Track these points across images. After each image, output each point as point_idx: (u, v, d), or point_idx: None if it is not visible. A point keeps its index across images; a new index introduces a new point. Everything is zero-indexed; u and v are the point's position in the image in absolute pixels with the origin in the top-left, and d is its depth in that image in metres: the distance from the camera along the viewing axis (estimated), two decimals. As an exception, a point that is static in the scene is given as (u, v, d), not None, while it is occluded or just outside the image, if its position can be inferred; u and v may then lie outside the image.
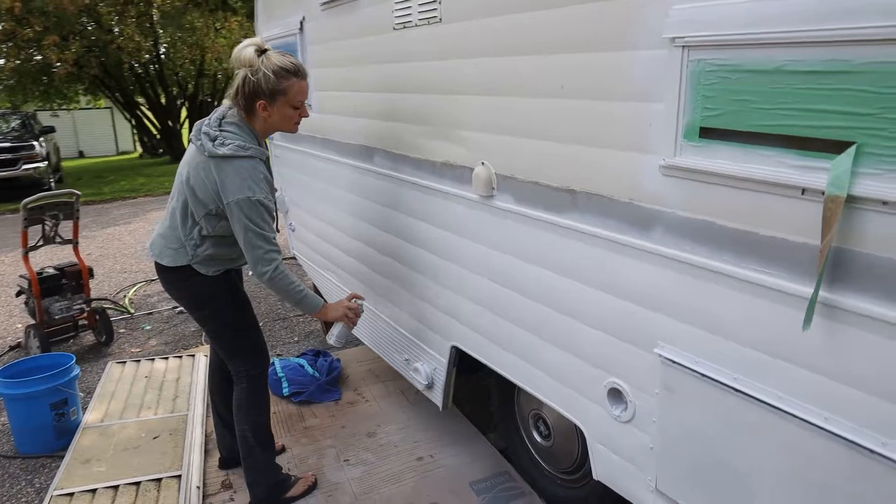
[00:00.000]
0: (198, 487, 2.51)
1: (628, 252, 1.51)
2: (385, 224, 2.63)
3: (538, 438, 2.28)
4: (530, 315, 1.89)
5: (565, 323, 1.76)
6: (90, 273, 4.12)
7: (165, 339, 4.27)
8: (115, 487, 2.52)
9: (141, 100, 16.30)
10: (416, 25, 2.14)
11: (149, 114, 16.33)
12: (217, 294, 2.26)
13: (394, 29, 2.28)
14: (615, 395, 1.66)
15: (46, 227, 3.88)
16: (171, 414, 3.09)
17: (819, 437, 1.18)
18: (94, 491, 2.49)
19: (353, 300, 2.37)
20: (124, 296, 5.22)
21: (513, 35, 1.72)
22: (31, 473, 2.76)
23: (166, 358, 3.77)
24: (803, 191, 1.13)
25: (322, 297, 3.35)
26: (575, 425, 2.04)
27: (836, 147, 1.07)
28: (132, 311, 4.63)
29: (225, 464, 2.69)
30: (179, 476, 2.57)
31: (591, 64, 1.50)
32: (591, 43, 1.49)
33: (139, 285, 5.51)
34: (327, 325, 4.06)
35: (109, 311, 4.33)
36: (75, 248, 4.11)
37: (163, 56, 14.82)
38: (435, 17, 2.03)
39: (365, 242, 2.84)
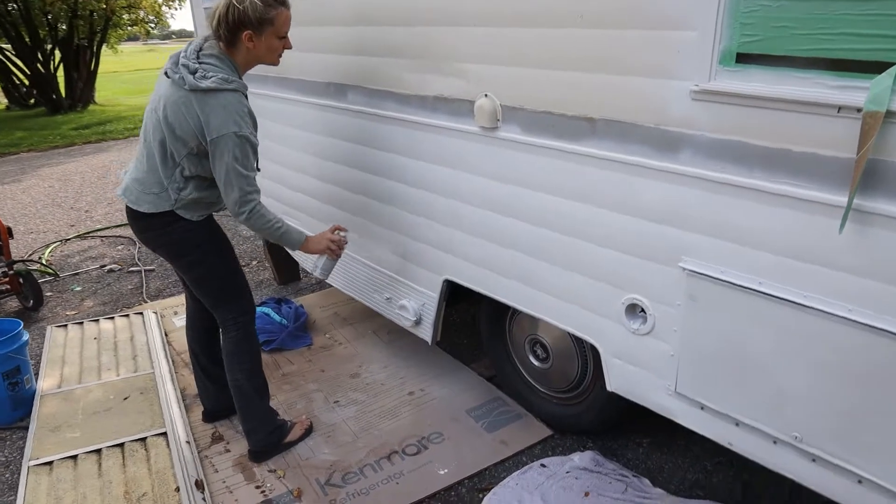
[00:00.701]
0: (187, 443, 2.44)
1: (652, 174, 1.60)
2: (361, 163, 2.58)
3: (535, 362, 2.40)
4: (537, 242, 1.96)
5: (579, 247, 1.85)
6: (9, 233, 3.75)
7: (102, 299, 4.00)
8: (98, 451, 2.41)
9: (5, 45, 14.50)
10: (404, -47, 2.07)
11: (17, 61, 14.57)
12: (202, 239, 2.17)
13: (374, -43, 2.19)
14: (633, 310, 1.78)
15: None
16: (136, 374, 2.95)
17: (842, 326, 1.34)
18: (74, 458, 2.37)
19: (335, 232, 2.32)
20: (39, 257, 4.80)
21: (524, -37, 1.72)
22: (-9, 447, 2.57)
23: (111, 318, 3.56)
24: (839, 109, 1.25)
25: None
26: (575, 346, 2.19)
27: (875, 68, 1.19)
28: (56, 272, 4.28)
29: (209, 417, 2.63)
30: (165, 433, 2.50)
31: (617, -9, 1.54)
32: (618, -30, 1.52)
33: (53, 245, 5.07)
34: (279, 269, 3.95)
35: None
36: (-11, 207, 3.70)
37: (27, -9, 13.17)
38: (428, -57, 1.97)
39: (336, 184, 2.78)
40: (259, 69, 2.89)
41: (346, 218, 2.79)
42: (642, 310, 1.77)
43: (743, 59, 1.36)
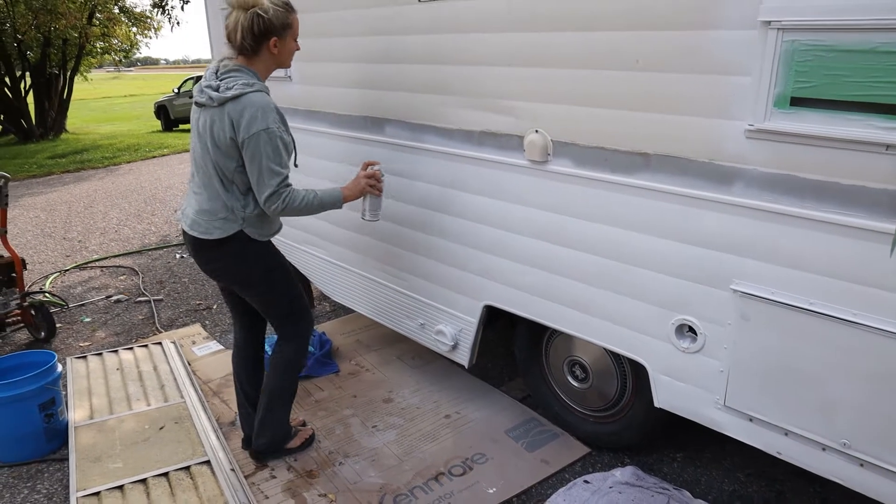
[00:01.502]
0: (232, 470, 2.47)
1: (705, 205, 1.75)
2: (398, 194, 2.69)
3: (573, 382, 2.52)
4: (587, 268, 2.09)
5: (629, 272, 1.98)
6: (24, 265, 3.73)
7: (114, 329, 3.98)
8: (143, 481, 2.42)
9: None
10: (453, -1, 2.21)
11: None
12: (270, 265, 2.29)
13: (419, 1, 2.33)
14: (682, 330, 1.92)
15: (-28, 216, 3.46)
16: (167, 403, 2.97)
17: (890, 340, 1.50)
18: (121, 488, 2.38)
19: (368, 168, 2.35)
20: (40, 288, 4.74)
21: (577, 11, 1.87)
22: (29, 480, 2.55)
23: (130, 348, 3.56)
24: (887, 147, 1.42)
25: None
26: (615, 365, 2.31)
27: (920, 111, 1.36)
28: (66, 302, 4.24)
29: (249, 443, 2.66)
30: (208, 462, 2.52)
31: (672, 41, 1.70)
32: (673, 22, 1.68)
33: (53, 276, 5.01)
34: None
35: (42, 306, 3.95)
36: (3, 238, 3.69)
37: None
38: (480, -9, 2.12)
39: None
40: (288, 102, 3.01)
41: (379, 247, 2.88)
42: (691, 329, 1.90)
43: (797, 102, 1.52)
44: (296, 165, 2.22)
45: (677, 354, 1.95)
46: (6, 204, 3.61)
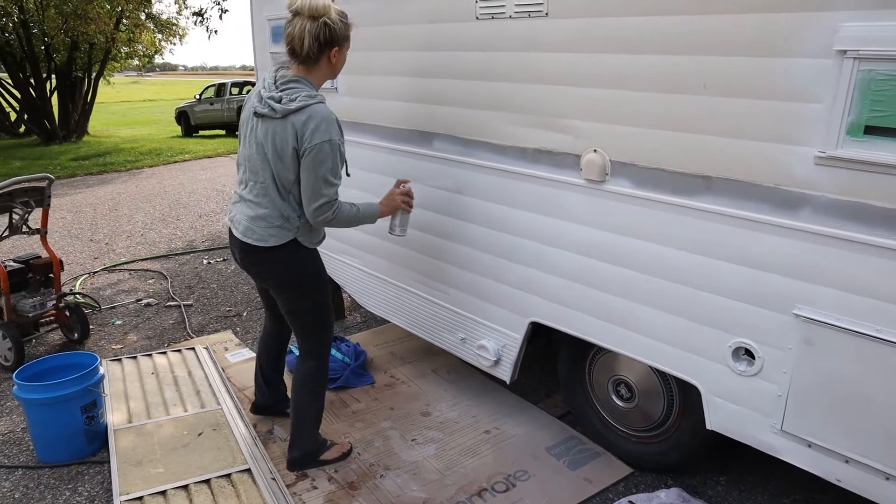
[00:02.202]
0: (273, 479, 2.48)
1: (769, 229, 1.76)
2: (445, 208, 2.71)
3: (617, 402, 2.51)
4: (642, 288, 2.10)
5: (686, 293, 1.99)
6: (61, 265, 3.77)
7: (145, 333, 4.01)
8: (185, 487, 2.43)
9: (2, 73, 14.50)
10: (511, 18, 2.24)
11: (12, 90, 14.53)
12: (313, 273, 2.36)
13: (477, 19, 2.36)
14: (739, 353, 1.92)
15: (15, 217, 3.50)
16: (204, 410, 2.98)
17: (964, 372, 1.49)
18: (164, 493, 2.39)
19: (400, 185, 2.44)
20: (70, 289, 4.78)
21: (645, 35, 1.89)
22: (71, 482, 2.56)
23: (164, 353, 3.58)
24: (966, 177, 1.42)
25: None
26: (662, 385, 2.31)
27: None
28: (99, 304, 4.28)
29: (257, 409, 2.89)
30: (249, 470, 2.53)
31: (743, 67, 1.71)
32: (746, 48, 1.69)
33: (83, 278, 5.06)
34: None
35: (76, 307, 3.98)
36: (43, 239, 3.73)
37: (30, 23, 13.24)
38: (540, 11, 2.14)
39: (414, 228, 2.88)
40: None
41: (421, 259, 2.90)
42: (748, 352, 1.90)
43: (871, 130, 1.53)
44: (347, 175, 2.27)
45: (733, 377, 1.95)
46: (48, 205, 3.66)
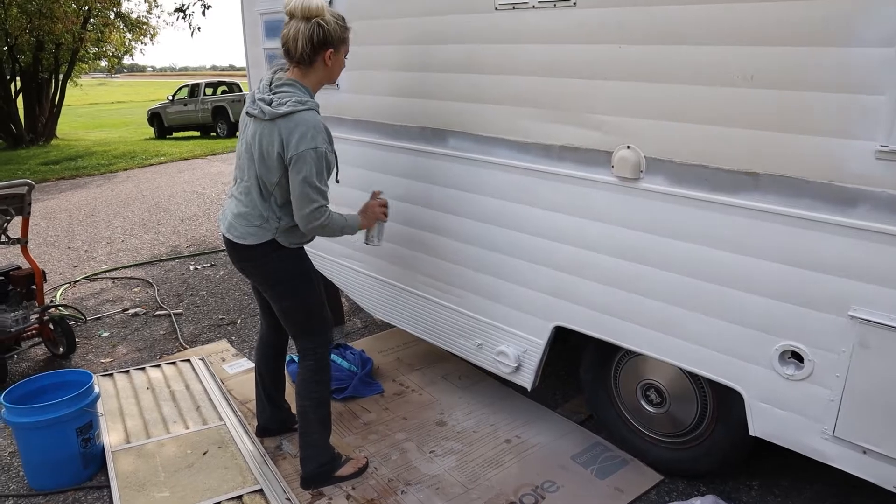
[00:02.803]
0: (287, 500, 2.34)
1: (821, 227, 1.67)
2: (460, 209, 2.59)
3: (647, 407, 2.42)
4: (677, 290, 2.01)
5: (727, 295, 1.90)
6: (44, 277, 3.56)
7: (135, 345, 3.82)
8: (195, 511, 2.28)
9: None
10: (535, 8, 2.13)
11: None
12: (297, 270, 2.31)
13: (496, 9, 2.24)
14: (786, 356, 1.84)
15: (-6, 226, 3.29)
16: (206, 426, 2.82)
17: None
18: (172, 518, 2.24)
19: (376, 196, 2.47)
20: (52, 300, 4.55)
21: (685, 24, 1.80)
22: (68, 510, 2.39)
23: (158, 366, 3.41)
24: None
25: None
26: (695, 389, 2.23)
27: None
28: (84, 315, 4.07)
29: (261, 432, 2.73)
30: (261, 490, 2.39)
31: (795, 57, 1.63)
32: (799, 38, 1.61)
33: (63, 287, 4.83)
34: None
35: (60, 320, 3.77)
36: (24, 249, 3.52)
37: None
38: (567, 1, 2.04)
39: (425, 229, 2.77)
40: (333, 110, 2.92)
41: (432, 263, 2.78)
42: (796, 355, 1.82)
43: (938, 122, 1.46)
44: (337, 181, 2.25)
45: (779, 381, 1.87)
46: (29, 213, 3.46)
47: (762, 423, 1.95)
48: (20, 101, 14.52)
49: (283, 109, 2.03)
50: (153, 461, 2.56)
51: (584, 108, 2.09)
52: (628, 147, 2.01)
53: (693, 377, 2.25)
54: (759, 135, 1.73)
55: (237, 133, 2.51)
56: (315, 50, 2.09)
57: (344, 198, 3.04)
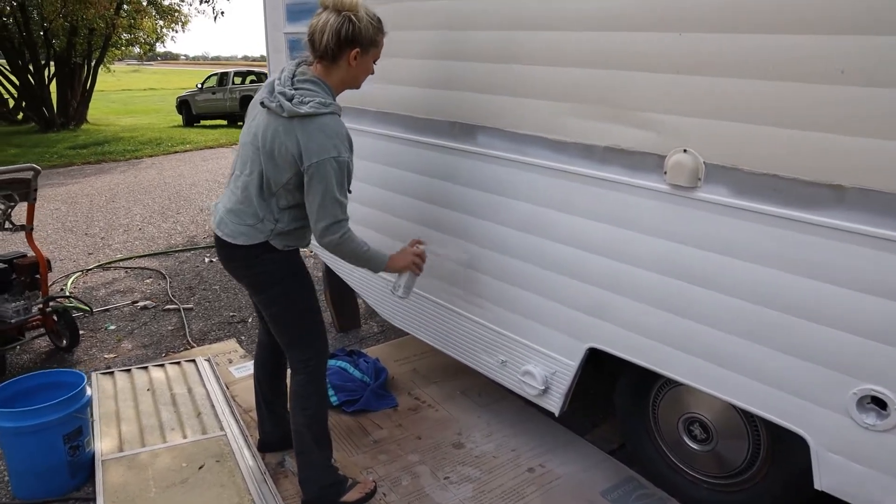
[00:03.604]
0: (286, 525, 2.13)
1: (922, 254, 1.40)
2: (488, 213, 2.35)
3: (690, 443, 2.16)
4: (735, 316, 1.74)
5: (796, 326, 1.63)
6: (48, 266, 3.41)
7: (141, 340, 3.65)
8: (184, 534, 2.08)
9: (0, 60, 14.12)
10: (582, -10, 1.87)
11: (10, 76, 14.14)
12: (286, 275, 2.11)
13: (537, -8, 1.99)
14: (867, 402, 1.56)
15: (-3, 211, 3.14)
16: (205, 436, 2.62)
17: None
18: (159, 541, 2.04)
19: (415, 245, 2.29)
20: (61, 289, 4.43)
21: (758, 10, 1.53)
22: (50, 524, 2.21)
23: (161, 365, 3.22)
24: None
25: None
26: (747, 427, 1.96)
27: None
28: (90, 307, 3.92)
29: (263, 447, 2.52)
30: (258, 512, 2.18)
31: (893, 47, 1.35)
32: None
33: (75, 276, 4.70)
34: (339, 314, 3.60)
35: (65, 311, 3.62)
36: (29, 236, 3.37)
37: (29, 7, 12.82)
38: (621, -19, 1.78)
39: (446, 232, 2.53)
40: (355, 101, 2.69)
41: (456, 270, 2.54)
42: (876, 401, 1.54)
43: None
44: (349, 192, 2.00)
45: (856, 431, 1.59)
46: (34, 199, 3.30)
47: (832, 476, 1.67)
48: (53, 85, 14.62)
49: (304, 109, 1.85)
50: (145, 474, 2.36)
51: (634, 105, 1.83)
52: (685, 151, 1.74)
53: (746, 414, 1.98)
54: (848, 140, 1.46)
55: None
56: (341, 46, 1.90)
57: (363, 195, 2.83)
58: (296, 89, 1.90)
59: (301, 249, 2.17)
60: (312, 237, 2.09)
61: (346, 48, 1.91)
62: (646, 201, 1.86)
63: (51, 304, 3.37)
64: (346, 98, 2.77)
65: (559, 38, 1.97)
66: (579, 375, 2.23)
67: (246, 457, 2.49)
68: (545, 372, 2.30)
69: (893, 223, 1.43)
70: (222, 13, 9.22)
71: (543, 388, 2.30)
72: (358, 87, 2.09)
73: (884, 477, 1.57)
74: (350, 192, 2.01)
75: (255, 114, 2.00)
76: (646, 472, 2.34)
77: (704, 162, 1.71)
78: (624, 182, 1.90)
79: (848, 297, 1.53)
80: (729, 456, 2.07)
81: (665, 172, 1.79)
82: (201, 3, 9.35)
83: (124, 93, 31.75)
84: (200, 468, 2.42)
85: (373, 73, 2.07)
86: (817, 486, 1.70)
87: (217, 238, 2.09)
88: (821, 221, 1.53)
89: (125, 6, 14.07)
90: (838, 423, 1.62)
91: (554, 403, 2.30)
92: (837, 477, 1.66)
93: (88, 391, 2.43)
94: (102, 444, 2.54)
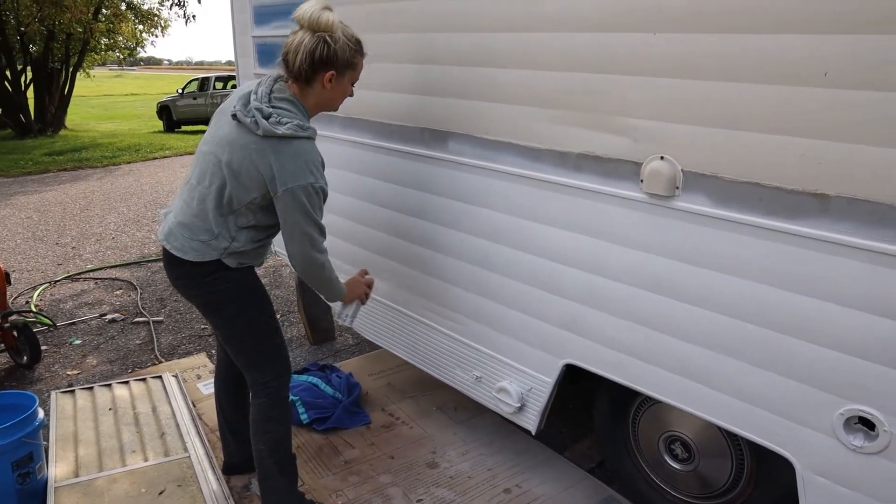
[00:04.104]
0: (248, 554, 2.01)
1: (912, 267, 1.32)
2: (459, 223, 2.25)
3: (670, 462, 2.07)
4: (716, 332, 1.65)
5: (780, 343, 1.54)
6: (7, 279, 3.27)
7: (107, 355, 3.51)
8: (139, 568, 1.95)
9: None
10: (554, -11, 1.78)
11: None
12: (239, 293, 1.98)
13: (507, -8, 1.90)
14: (854, 423, 1.48)
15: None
16: (167, 458, 2.50)
17: None
18: (110, 576, 1.91)
19: (364, 276, 2.29)
20: (26, 301, 4.27)
21: (737, 10, 1.45)
22: (-4, 558, 2.08)
23: (126, 382, 3.09)
24: None
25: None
26: (730, 447, 1.88)
27: None
28: (53, 322, 3.77)
29: (227, 469, 2.40)
30: (219, 542, 2.06)
31: (880, 49, 1.27)
32: (887, 23, 1.25)
33: (43, 287, 4.54)
34: (313, 328, 3.50)
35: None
36: (-15, 249, 3.22)
37: (5, 12, 12.58)
38: (593, -20, 1.69)
39: (418, 243, 2.43)
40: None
41: (429, 283, 2.44)
42: (864, 421, 1.46)
43: None
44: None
45: (843, 453, 1.50)
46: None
47: (818, 500, 1.58)
48: (30, 91, 14.36)
49: (281, 130, 1.76)
50: (101, 501, 2.24)
51: (609, 110, 1.74)
52: (662, 158, 1.65)
53: (729, 433, 1.89)
54: (833, 147, 1.37)
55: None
56: (315, 68, 1.82)
57: (331, 204, 2.72)
58: (273, 107, 1.81)
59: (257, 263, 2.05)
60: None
61: (320, 70, 1.83)
62: (622, 211, 1.77)
63: (9, 319, 3.23)
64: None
65: (531, 40, 1.88)
66: (556, 392, 2.14)
67: (210, 480, 2.36)
68: (521, 389, 2.20)
69: (881, 234, 1.34)
70: (193, 17, 9.05)
71: (519, 405, 2.20)
72: (335, 109, 2.02)
73: (872, 501, 1.48)
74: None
75: (221, 122, 1.89)
76: (626, 491, 2.25)
77: (682, 169, 1.62)
78: (599, 190, 1.81)
79: (834, 312, 1.44)
80: (711, 476, 1.98)
81: (641, 180, 1.70)
82: (172, 6, 9.17)
83: (105, 98, 31.40)
84: (161, 494, 2.29)
85: (351, 95, 2.00)
86: (804, 510, 1.62)
87: (165, 251, 1.97)
88: (805, 232, 1.45)
89: (103, 11, 13.85)
90: (825, 444, 1.53)
91: (530, 421, 2.21)
92: (824, 501, 1.57)
93: (41, 414, 2.29)
94: (57, 469, 2.40)
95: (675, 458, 2.07)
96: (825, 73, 1.35)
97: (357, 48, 1.89)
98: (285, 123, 1.77)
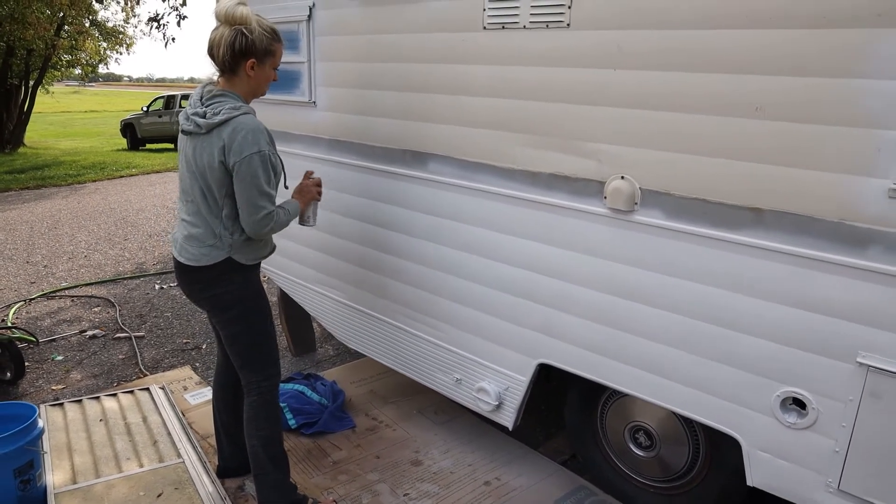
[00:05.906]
0: (247, 548, 2.15)
1: (830, 269, 1.57)
2: (439, 237, 2.45)
3: (636, 450, 2.29)
4: (672, 330, 1.89)
5: (725, 337, 1.78)
6: (-7, 297, 3.32)
7: (91, 370, 3.58)
8: (144, 563, 2.07)
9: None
10: (526, 28, 2.02)
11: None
12: (248, 295, 2.18)
13: (485, 28, 2.13)
14: (789, 403, 1.72)
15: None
16: (163, 464, 2.61)
17: None
18: (117, 572, 2.03)
19: (309, 176, 2.37)
20: (2, 319, 4.29)
21: (686, 51, 1.70)
22: (1, 561, 2.16)
23: (114, 395, 3.18)
24: None
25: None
26: (687, 433, 2.10)
27: None
28: (36, 338, 3.81)
29: (222, 473, 2.54)
30: (218, 538, 2.19)
31: (805, 88, 1.53)
32: (810, 68, 1.51)
33: (17, 306, 4.56)
34: (294, 339, 3.62)
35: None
36: (-28, 267, 3.28)
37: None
38: (561, 21, 1.93)
39: (403, 257, 2.62)
40: (311, 129, 2.78)
41: (410, 292, 2.63)
42: (798, 402, 1.71)
43: (957, 161, 1.36)
44: (286, 187, 2.16)
45: (780, 430, 1.75)
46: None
47: (761, 473, 1.82)
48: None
49: (218, 118, 1.95)
50: (101, 504, 2.34)
51: (576, 135, 1.98)
52: (623, 177, 1.89)
53: (685, 420, 2.13)
54: (765, 169, 1.63)
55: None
56: (236, 58, 2.00)
57: (320, 222, 2.89)
58: (207, 105, 2.00)
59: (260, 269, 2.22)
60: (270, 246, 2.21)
61: (241, 60, 2.01)
62: (588, 224, 2.00)
63: (-5, 335, 3.28)
64: (300, 127, 2.87)
65: (506, 72, 2.11)
66: (531, 390, 2.34)
67: (205, 483, 2.49)
68: (498, 388, 2.40)
69: (805, 241, 1.60)
70: (173, 39, 9.09)
71: (497, 403, 2.40)
72: (263, 94, 2.16)
73: (803, 470, 1.72)
74: (286, 187, 2.13)
75: (182, 145, 2.09)
76: (596, 479, 2.46)
77: (640, 188, 1.87)
78: (568, 206, 2.04)
79: (769, 308, 1.69)
80: (671, 461, 2.21)
81: (605, 197, 1.94)
82: (149, 25, 9.15)
83: (63, 115, 30.73)
84: (159, 496, 2.40)
85: (275, 79, 2.15)
86: (749, 482, 1.85)
87: (179, 265, 2.14)
88: (743, 241, 1.70)
89: (66, 27, 13.72)
90: (765, 423, 1.77)
91: (507, 418, 2.40)
92: (766, 473, 1.81)
93: (40, 423, 2.39)
94: (55, 476, 2.49)
95: (639, 446, 2.29)
96: (756, 108, 1.61)
97: (273, 36, 2.05)
98: (220, 111, 1.96)
